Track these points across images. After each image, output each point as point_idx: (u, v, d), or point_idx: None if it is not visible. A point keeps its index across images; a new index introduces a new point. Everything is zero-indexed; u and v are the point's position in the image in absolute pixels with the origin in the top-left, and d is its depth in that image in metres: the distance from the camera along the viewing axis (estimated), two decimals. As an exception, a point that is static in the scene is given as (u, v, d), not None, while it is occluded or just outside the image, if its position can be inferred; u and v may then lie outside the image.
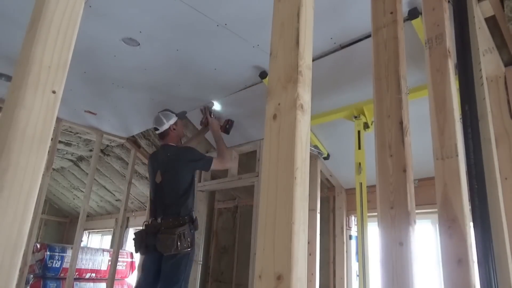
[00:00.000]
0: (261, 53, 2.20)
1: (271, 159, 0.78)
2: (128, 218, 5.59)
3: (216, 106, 2.97)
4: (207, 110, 2.98)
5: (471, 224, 1.14)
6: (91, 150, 4.70)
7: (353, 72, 2.23)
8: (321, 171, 2.97)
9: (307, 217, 0.74)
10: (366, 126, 2.34)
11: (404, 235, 1.05)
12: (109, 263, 5.19)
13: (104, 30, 2.08)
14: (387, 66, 1.25)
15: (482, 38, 1.59)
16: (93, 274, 5.20)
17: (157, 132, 2.74)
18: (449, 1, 1.38)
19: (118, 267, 4.75)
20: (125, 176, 4.53)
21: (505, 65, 1.90)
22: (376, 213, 1.15)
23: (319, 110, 2.52)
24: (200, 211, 3.50)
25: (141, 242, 2.55)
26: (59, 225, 8.02)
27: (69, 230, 7.74)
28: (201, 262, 3.53)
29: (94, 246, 6.74)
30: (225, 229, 3.96)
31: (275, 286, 0.68)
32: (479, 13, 1.53)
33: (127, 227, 5.75)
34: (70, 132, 4.16)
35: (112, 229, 6.24)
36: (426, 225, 2.67)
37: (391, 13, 1.30)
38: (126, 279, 5.55)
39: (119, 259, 5.00)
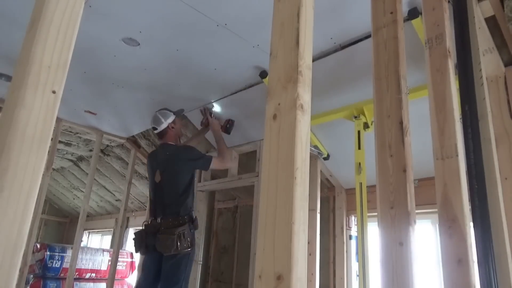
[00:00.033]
0: (261, 53, 2.20)
1: (271, 159, 0.78)
2: (128, 218, 5.59)
3: (216, 108, 2.97)
4: (207, 111, 2.97)
5: (471, 224, 1.14)
6: (91, 150, 4.70)
7: (353, 72, 2.23)
8: (321, 171, 2.97)
9: (307, 217, 0.74)
10: (366, 126, 2.33)
11: (404, 235, 1.05)
12: (109, 263, 5.18)
13: (104, 30, 2.08)
14: (387, 66, 1.25)
15: (482, 38, 1.59)
16: (93, 274, 5.20)
17: (155, 131, 2.72)
18: (449, 1, 1.38)
19: (118, 267, 4.75)
20: (125, 176, 4.53)
21: (505, 65, 1.90)
22: (376, 213, 1.15)
23: (319, 110, 2.52)
24: (200, 211, 3.49)
25: (141, 242, 2.54)
26: (59, 225, 8.02)
27: (69, 230, 7.75)
28: (201, 262, 3.53)
29: (94, 246, 6.74)
30: (225, 229, 3.96)
31: (275, 286, 0.67)
32: (479, 13, 1.53)
33: (127, 227, 5.74)
34: (70, 132, 4.16)
35: (112, 229, 6.23)
36: (426, 225, 2.67)
37: (391, 13, 1.30)
38: (126, 279, 5.55)
39: (119, 259, 5.00)
